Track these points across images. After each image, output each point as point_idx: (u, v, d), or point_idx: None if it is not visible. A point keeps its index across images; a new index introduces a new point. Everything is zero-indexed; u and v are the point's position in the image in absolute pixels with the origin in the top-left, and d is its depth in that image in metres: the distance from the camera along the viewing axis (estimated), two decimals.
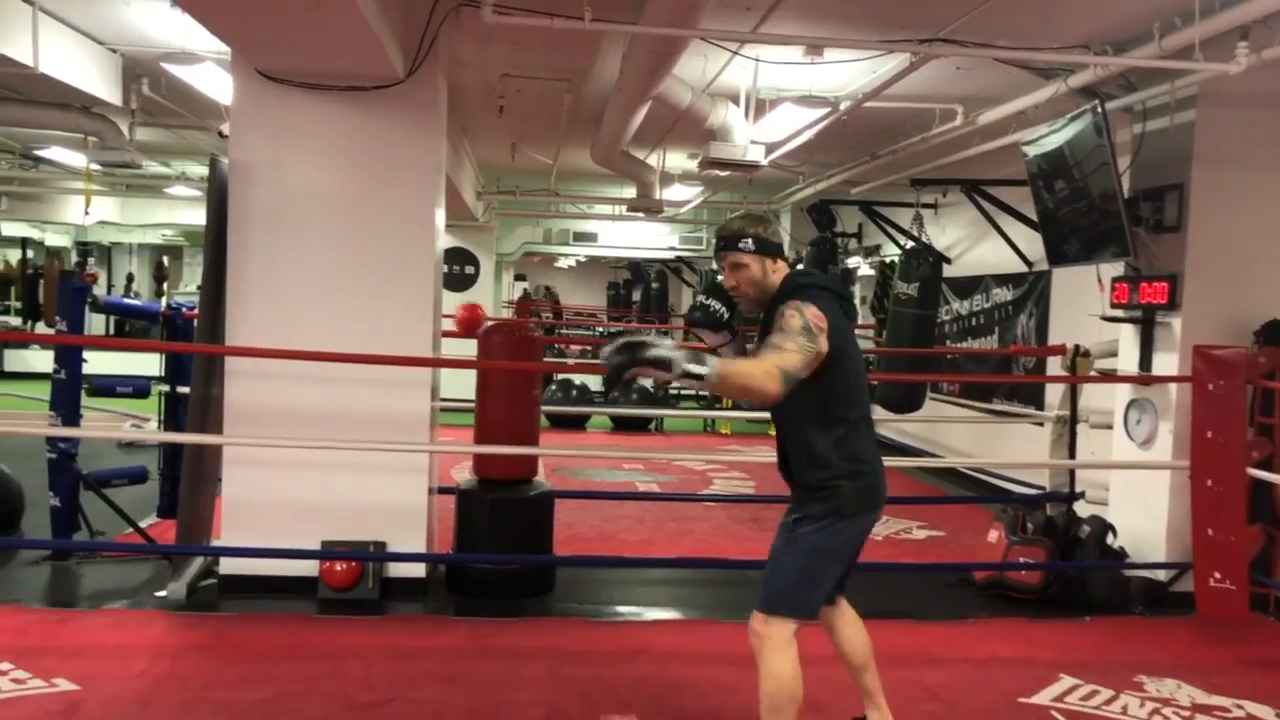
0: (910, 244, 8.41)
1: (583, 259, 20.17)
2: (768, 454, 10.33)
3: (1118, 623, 5.05)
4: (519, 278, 20.12)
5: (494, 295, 15.40)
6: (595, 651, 4.38)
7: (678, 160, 10.17)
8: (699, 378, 2.62)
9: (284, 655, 4.19)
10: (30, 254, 17.91)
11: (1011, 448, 8.35)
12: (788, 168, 9.64)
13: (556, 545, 5.41)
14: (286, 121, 5.00)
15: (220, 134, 7.40)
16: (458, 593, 5.13)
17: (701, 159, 6.68)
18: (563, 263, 21.64)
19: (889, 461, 3.24)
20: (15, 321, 16.87)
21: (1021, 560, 5.33)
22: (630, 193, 10.85)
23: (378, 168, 5.08)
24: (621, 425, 12.08)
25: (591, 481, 8.33)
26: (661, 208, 10.27)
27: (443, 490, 5.65)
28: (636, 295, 19.51)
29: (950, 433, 9.70)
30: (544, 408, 6.89)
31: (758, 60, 6.03)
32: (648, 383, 9.99)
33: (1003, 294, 8.84)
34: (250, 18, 4.22)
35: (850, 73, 6.45)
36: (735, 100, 6.50)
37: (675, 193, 11.20)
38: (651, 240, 15.89)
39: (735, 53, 5.79)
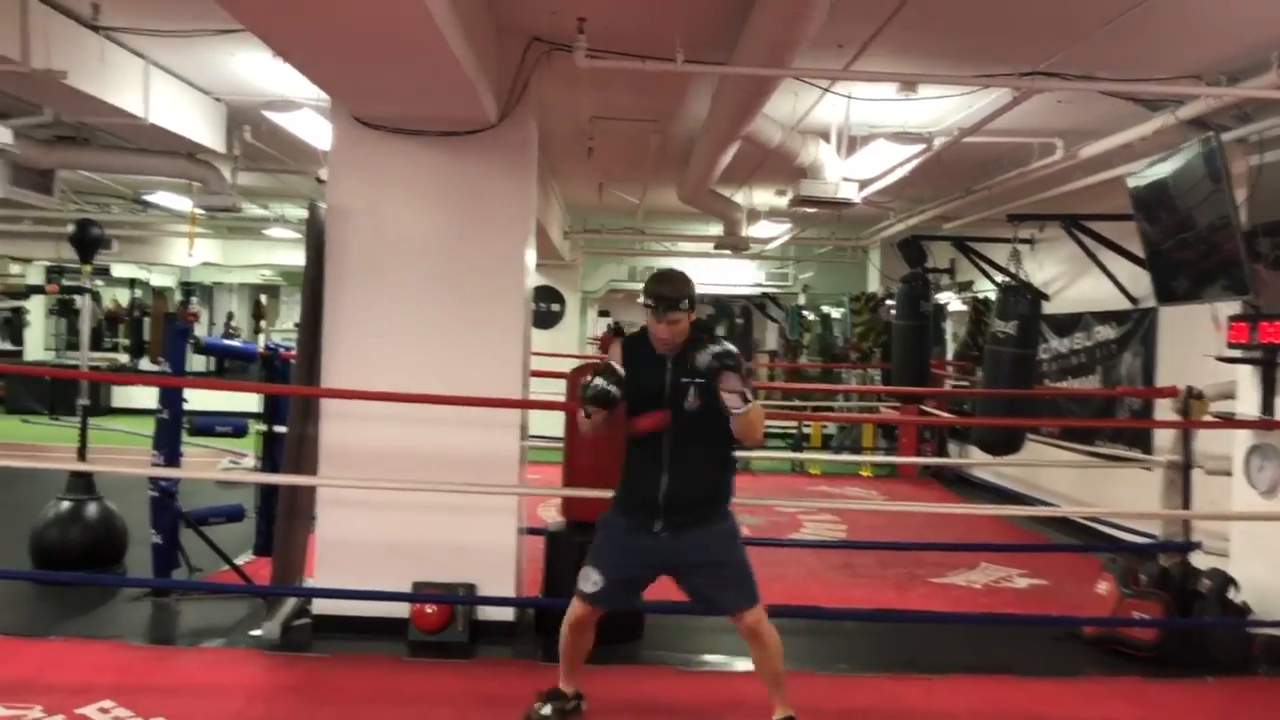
0: (1007, 280, 8.17)
1: None
2: (859, 496, 10.06)
3: (1241, 684, 4.75)
4: (603, 314, 20.20)
5: (579, 332, 15.48)
6: (687, 704, 4.28)
7: (765, 197, 10.11)
8: (749, 401, 3.49)
9: (375, 699, 4.18)
10: (138, 293, 18.64)
11: (1118, 493, 7.99)
12: (879, 204, 9.49)
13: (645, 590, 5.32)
14: (382, 166, 5.09)
15: (318, 179, 7.59)
16: (547, 636, 5.06)
17: (792, 196, 6.60)
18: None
19: (987, 507, 3.15)
20: (123, 358, 17.51)
21: (1136, 615, 5.06)
22: (716, 230, 10.82)
23: (470, 210, 5.13)
24: None
25: None
26: (748, 244, 10.20)
27: (531, 531, 5.62)
28: (721, 331, 19.42)
29: (1051, 477, 9.35)
30: None
31: (849, 97, 5.95)
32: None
33: (1105, 332, 8.52)
34: (348, 66, 4.31)
35: (945, 108, 6.32)
36: (826, 137, 6.42)
37: (762, 229, 11.12)
38: (737, 277, 15.81)
39: (826, 90, 5.71)
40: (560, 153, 8.40)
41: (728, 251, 11.29)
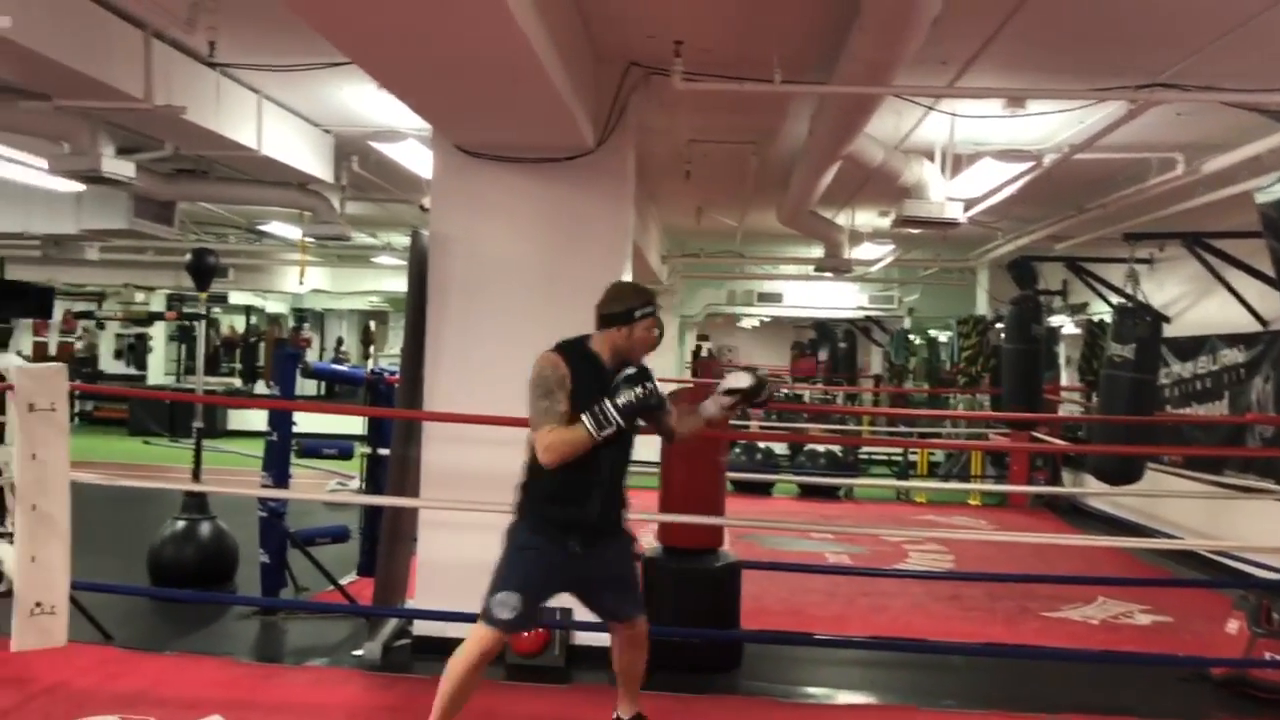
0: (1124, 302, 7.84)
1: (767, 319, 20.01)
2: (968, 525, 9.75)
3: None
4: (702, 338, 20.14)
5: (677, 356, 15.46)
6: None
7: (868, 218, 9.93)
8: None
9: None
10: (254, 320, 19.37)
11: (1247, 526, 7.55)
12: (986, 224, 9.23)
13: (743, 618, 5.23)
14: (482, 193, 5.16)
15: (421, 207, 7.76)
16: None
17: (895, 217, 6.46)
18: (746, 323, 21.53)
19: (1104, 539, 2.95)
20: (237, 382, 18.20)
21: (1269, 656, 4.74)
22: (817, 252, 10.67)
23: (568, 235, 5.16)
24: (808, 492, 11.75)
25: (778, 551, 8.09)
26: (850, 267, 10.03)
27: None
28: (823, 355, 19.16)
29: (1173, 508, 8.89)
30: (729, 474, 6.75)
31: (954, 115, 5.80)
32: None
33: (1233, 356, 8.09)
34: (449, 95, 4.38)
35: (1055, 123, 6.11)
36: (930, 156, 6.26)
37: (865, 251, 10.94)
38: (839, 299, 15.58)
39: (930, 108, 5.58)
40: (658, 176, 8.41)
41: (829, 274, 11.12)
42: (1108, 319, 8.86)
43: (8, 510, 4.57)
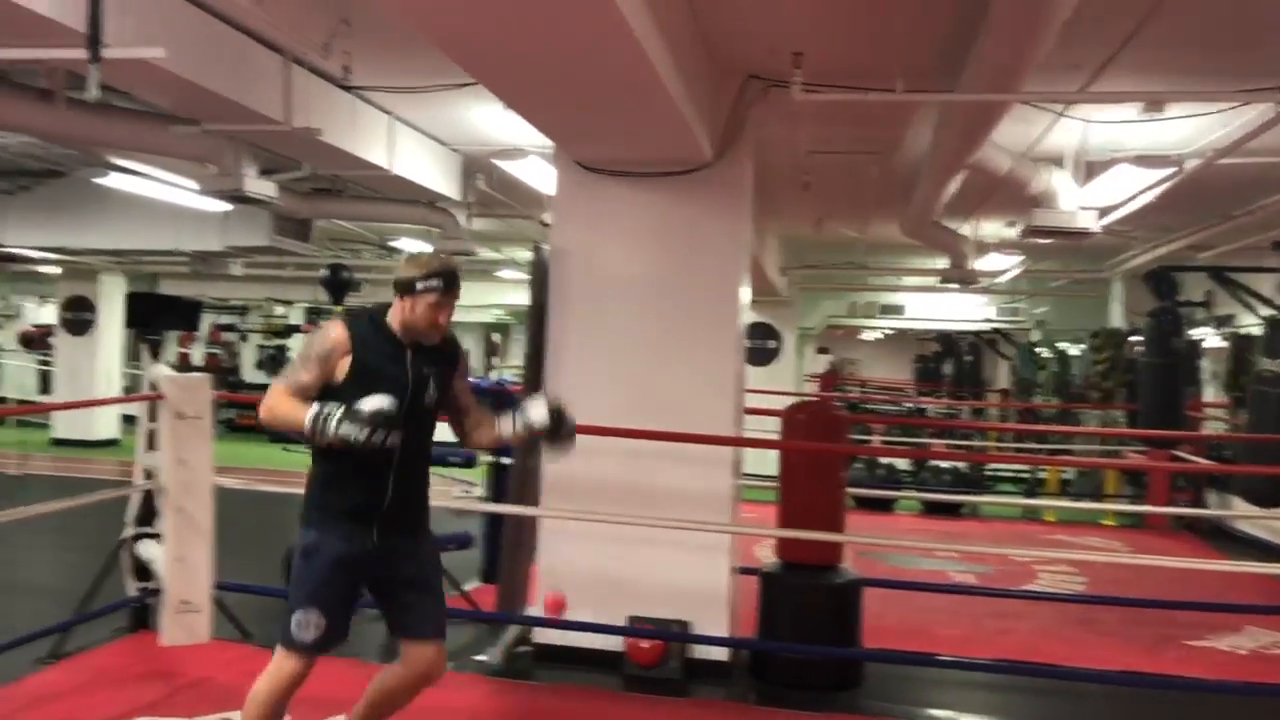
0: (1276, 314, 7.40)
1: (889, 331, 19.65)
2: (1101, 547, 9.33)
3: None
4: (822, 350, 19.90)
5: (796, 369, 15.31)
6: None
7: (994, 228, 9.67)
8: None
9: None
10: None
11: None
12: (1121, 233, 8.86)
13: (864, 636, 5.14)
14: (602, 208, 5.23)
15: (543, 222, 7.91)
16: (761, 679, 4.98)
17: (1024, 227, 6.27)
18: (867, 335, 21.19)
19: (1254, 564, 2.78)
20: None
21: None
22: (941, 263, 10.43)
23: (686, 249, 5.18)
24: (932, 509, 11.46)
25: (900, 569, 7.91)
26: (976, 278, 9.77)
27: (746, 570, 5.55)
28: (947, 368, 18.68)
29: None
30: (850, 489, 6.65)
31: (1086, 120, 5.60)
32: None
33: None
34: (573, 113, 4.47)
35: (1196, 127, 5.83)
36: (1061, 163, 6.06)
37: (991, 262, 10.63)
38: (964, 311, 15.18)
39: (1061, 114, 5.41)
40: (777, 188, 8.36)
41: (954, 286, 10.85)
42: (1256, 332, 8.39)
43: (158, 512, 4.86)
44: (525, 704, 4.56)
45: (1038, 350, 15.39)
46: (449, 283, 3.15)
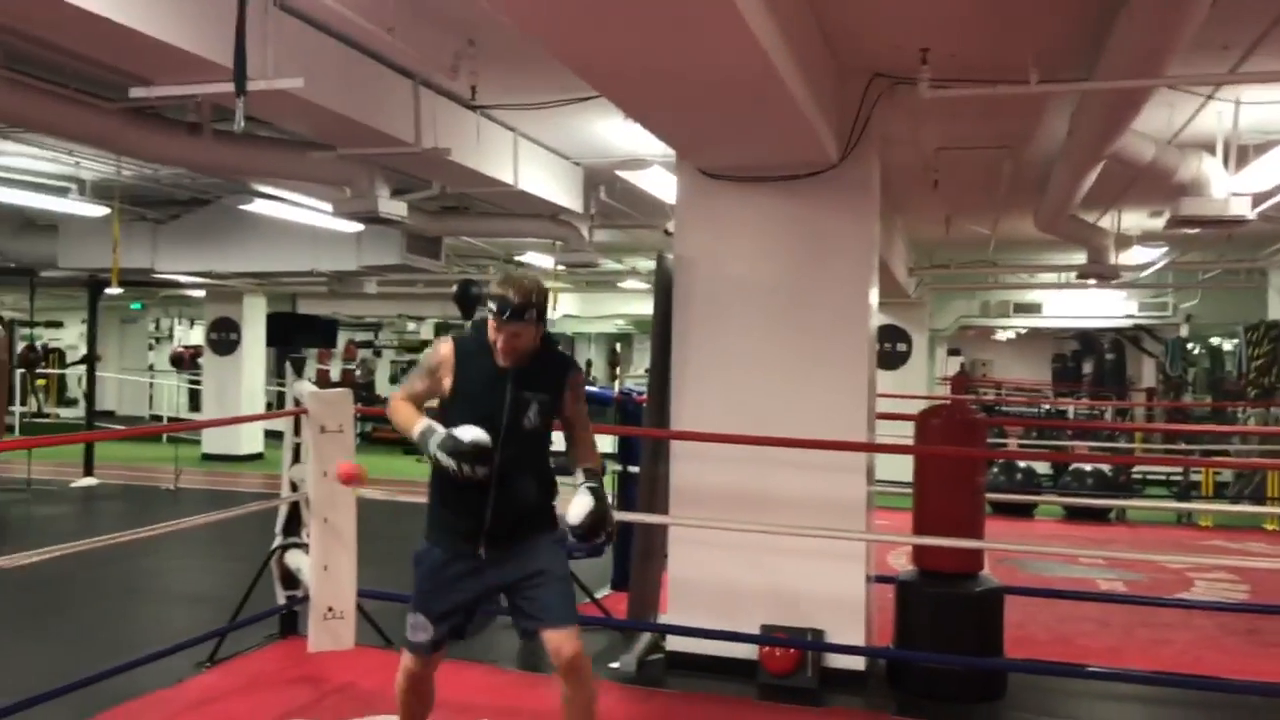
0: None
1: (1023, 331, 18.98)
2: (1266, 553, 8.78)
3: None
4: (953, 352, 19.36)
5: (928, 372, 14.93)
6: None
7: (1136, 220, 9.23)
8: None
9: None
10: None
11: None
12: (1278, 220, 8.33)
13: (1007, 646, 4.95)
14: (725, 214, 5.21)
15: (666, 231, 7.94)
16: (899, 689, 4.86)
17: (1169, 218, 5.96)
18: (1000, 335, 20.52)
19: None
20: None
21: None
22: (1079, 258, 10.01)
23: (811, 253, 5.11)
24: (1075, 514, 10.99)
25: (1042, 576, 7.61)
26: (1117, 273, 9.35)
27: (881, 579, 5.43)
28: (1087, 368, 17.93)
29: None
30: (988, 494, 6.43)
31: (1238, 102, 5.29)
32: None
33: None
34: (695, 121, 4.47)
35: None
36: (1210, 149, 5.73)
37: (1133, 255, 10.15)
38: (1104, 308, 14.55)
39: (1209, 97, 5.12)
40: (904, 187, 8.18)
41: (1093, 281, 10.40)
42: None
43: (304, 523, 5.06)
44: (658, 711, 4.56)
45: (1187, 346, 14.61)
46: (515, 313, 3.08)
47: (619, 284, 14.69)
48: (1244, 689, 4.85)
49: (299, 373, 5.39)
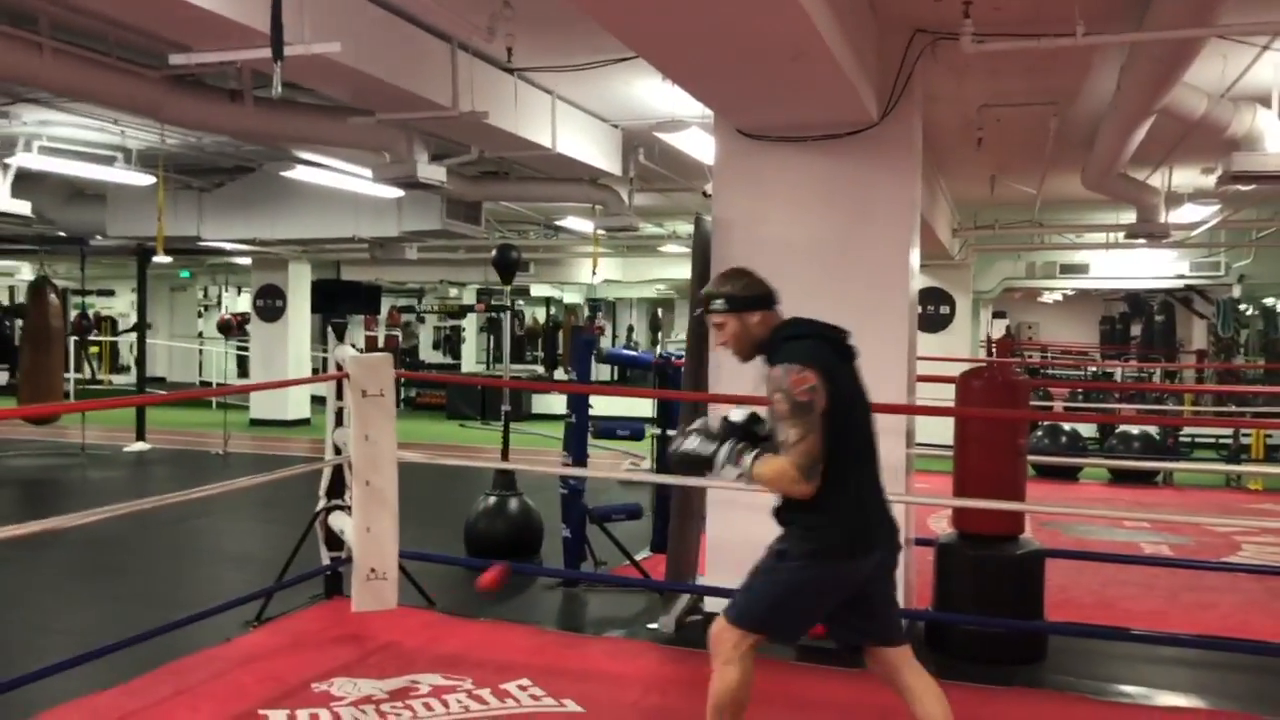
0: None
1: (1070, 292, 18.66)
2: None
3: None
4: (998, 315, 19.09)
5: (971, 335, 14.75)
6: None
7: (1187, 177, 9.01)
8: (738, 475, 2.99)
9: (764, 700, 4.15)
10: (553, 310, 20.53)
11: None
12: None
13: (1048, 610, 4.92)
14: (763, 175, 5.16)
15: (704, 193, 7.89)
16: (938, 652, 4.84)
17: (1221, 174, 5.80)
18: (1047, 297, 20.20)
19: None
20: (540, 369, 19.36)
21: None
22: (1128, 217, 9.80)
23: (851, 212, 5.05)
24: (1121, 477, 10.86)
25: (1086, 540, 7.54)
26: (1167, 232, 9.13)
27: (920, 541, 5.41)
28: (1136, 330, 17.61)
29: None
30: (1030, 457, 6.37)
31: None
32: None
33: None
34: (733, 80, 4.42)
35: None
36: (1266, 102, 5.56)
37: (1184, 214, 9.92)
38: (1154, 268, 14.22)
39: (1265, 47, 4.96)
40: (947, 146, 8.05)
41: (1142, 241, 10.18)
42: None
43: (347, 486, 5.15)
44: (697, 672, 4.56)
45: (1239, 306, 14.28)
46: (705, 305, 3.12)
47: (659, 248, 14.64)
48: None
49: (340, 337, 5.47)
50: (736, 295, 3.10)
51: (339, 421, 5.31)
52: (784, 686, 4.39)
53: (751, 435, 3.04)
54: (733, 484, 5.04)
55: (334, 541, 5.39)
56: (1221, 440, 12.20)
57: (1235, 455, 11.37)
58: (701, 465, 3.07)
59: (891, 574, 3.11)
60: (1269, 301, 14.93)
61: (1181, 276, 14.27)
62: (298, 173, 8.20)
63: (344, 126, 5.96)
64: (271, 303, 15.20)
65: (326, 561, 5.44)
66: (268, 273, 15.13)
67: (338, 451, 5.32)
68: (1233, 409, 11.47)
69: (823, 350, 3.01)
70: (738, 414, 3.09)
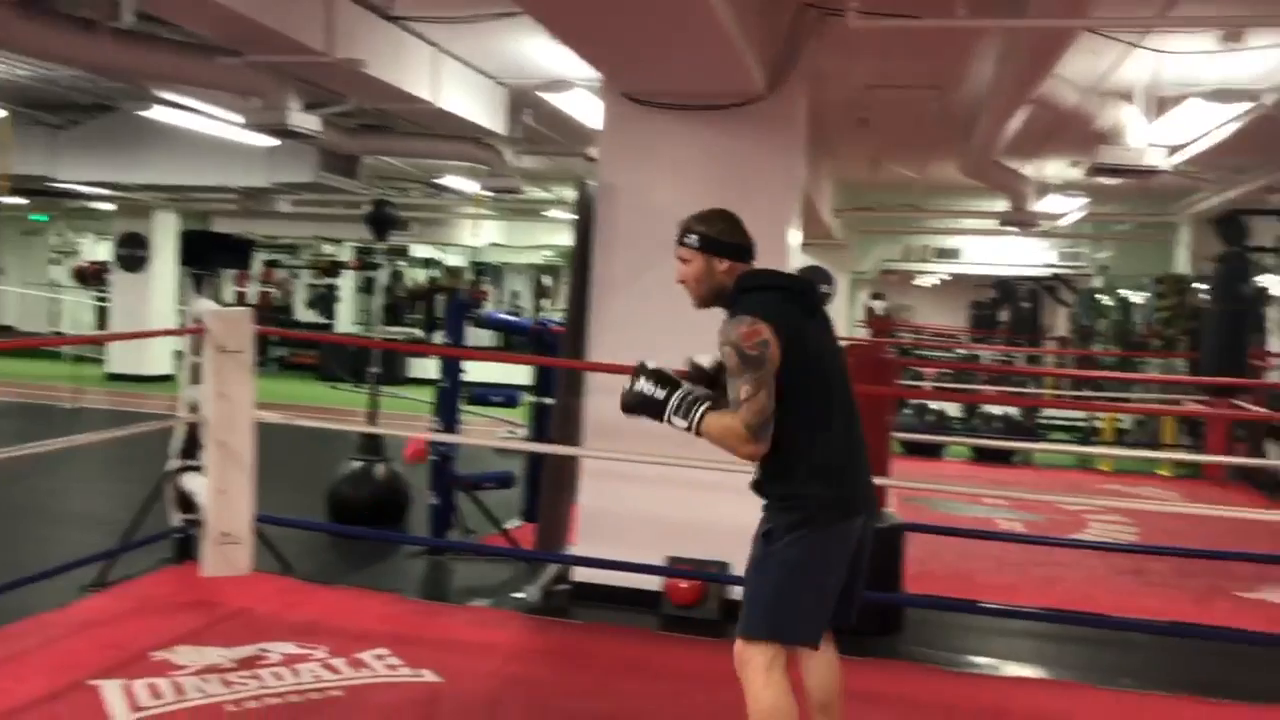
0: None
1: (945, 277, 19.28)
2: (1156, 496, 9.12)
3: None
4: (876, 296, 19.57)
5: (848, 315, 15.07)
6: (947, 704, 4.00)
7: (1058, 169, 9.35)
8: (683, 429, 2.77)
9: (627, 670, 4.21)
10: (435, 273, 20.10)
11: None
12: (1191, 173, 8.51)
13: (907, 583, 5.05)
14: (650, 142, 5.09)
15: (589, 158, 7.79)
16: None
17: (1089, 166, 6.01)
18: (922, 280, 20.82)
19: None
20: (419, 332, 18.95)
21: None
22: (1001, 205, 10.13)
23: (734, 185, 5.01)
24: (982, 456, 11.27)
25: (947, 515, 7.78)
26: (1036, 221, 9.47)
27: None
28: (1004, 315, 18.30)
29: None
30: (897, 434, 6.52)
31: (1159, 51, 5.32)
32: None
33: None
34: (617, 39, 4.32)
35: (1277, 60, 5.51)
36: (1130, 98, 5.77)
37: (1053, 204, 10.30)
38: (1023, 256, 14.80)
39: (1133, 44, 5.13)
40: (832, 125, 8.13)
41: (1014, 229, 10.54)
42: None
43: (201, 446, 4.90)
44: (562, 641, 4.55)
45: (1099, 297, 14.98)
46: (679, 236, 2.93)
47: (545, 213, 14.47)
48: (1127, 625, 5.04)
49: (200, 290, 5.18)
50: (711, 236, 2.90)
51: (195, 378, 5.04)
52: (650, 657, 4.39)
53: (718, 385, 2.83)
54: (605, 453, 5.02)
55: (187, 504, 5.12)
56: (1076, 423, 12.79)
57: (1087, 438, 11.95)
58: (654, 410, 2.81)
59: (867, 548, 2.86)
60: (1125, 293, 15.68)
61: (1049, 265, 14.88)
62: (157, 113, 7.72)
63: (210, 66, 5.62)
64: (134, 252, 14.43)
65: (177, 524, 5.18)
66: (131, 220, 14.35)
67: (193, 410, 5.05)
68: (1088, 394, 12.02)
69: (782, 303, 2.79)
70: (705, 359, 2.90)
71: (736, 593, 4.89)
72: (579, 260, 5.19)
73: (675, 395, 2.79)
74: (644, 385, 2.83)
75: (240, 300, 18.56)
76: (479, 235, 13.77)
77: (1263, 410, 9.41)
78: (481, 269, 21.04)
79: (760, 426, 2.67)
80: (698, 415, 2.75)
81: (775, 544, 2.76)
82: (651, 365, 2.87)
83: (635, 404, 2.85)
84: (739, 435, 2.69)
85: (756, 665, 2.73)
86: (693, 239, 2.90)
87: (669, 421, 2.80)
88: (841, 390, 2.88)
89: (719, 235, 2.91)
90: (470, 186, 11.18)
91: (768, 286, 2.86)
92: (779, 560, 2.75)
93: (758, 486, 2.88)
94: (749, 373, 2.66)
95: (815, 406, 2.77)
